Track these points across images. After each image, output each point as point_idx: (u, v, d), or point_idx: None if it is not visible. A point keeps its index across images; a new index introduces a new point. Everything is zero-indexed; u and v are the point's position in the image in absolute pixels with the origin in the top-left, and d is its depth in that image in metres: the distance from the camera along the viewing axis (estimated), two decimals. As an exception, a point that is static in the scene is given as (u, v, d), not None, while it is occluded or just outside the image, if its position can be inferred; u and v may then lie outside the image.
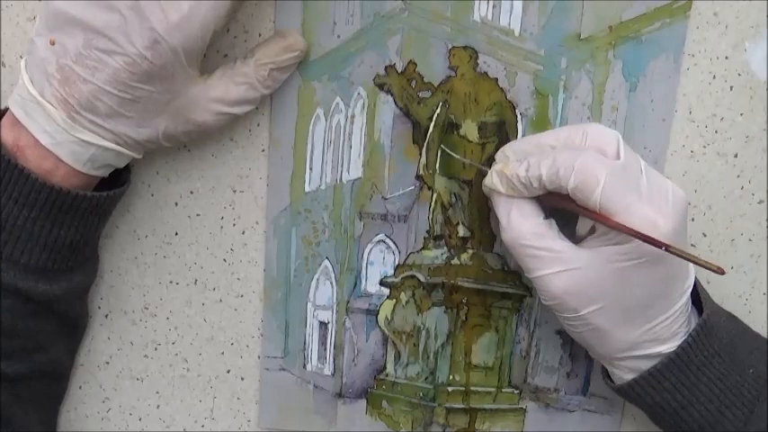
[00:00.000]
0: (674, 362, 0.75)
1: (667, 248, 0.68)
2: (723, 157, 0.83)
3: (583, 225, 0.75)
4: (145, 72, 0.67)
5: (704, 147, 0.82)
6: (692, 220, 0.84)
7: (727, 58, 0.80)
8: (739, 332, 0.79)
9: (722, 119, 0.82)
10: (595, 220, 0.71)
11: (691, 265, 0.75)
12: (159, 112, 0.72)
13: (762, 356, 0.79)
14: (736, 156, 0.83)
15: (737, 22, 0.79)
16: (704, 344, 0.75)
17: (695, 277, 0.77)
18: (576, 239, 0.75)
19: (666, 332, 0.75)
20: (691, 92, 0.81)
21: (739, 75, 0.81)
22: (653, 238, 0.68)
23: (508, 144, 0.78)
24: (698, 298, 0.78)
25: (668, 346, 0.75)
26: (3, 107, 0.73)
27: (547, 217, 0.75)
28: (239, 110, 0.76)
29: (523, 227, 0.74)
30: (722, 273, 0.67)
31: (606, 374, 0.82)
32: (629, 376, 0.77)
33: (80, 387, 0.91)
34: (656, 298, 0.74)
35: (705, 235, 0.85)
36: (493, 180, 0.75)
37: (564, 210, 0.74)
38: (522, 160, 0.73)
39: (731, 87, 0.81)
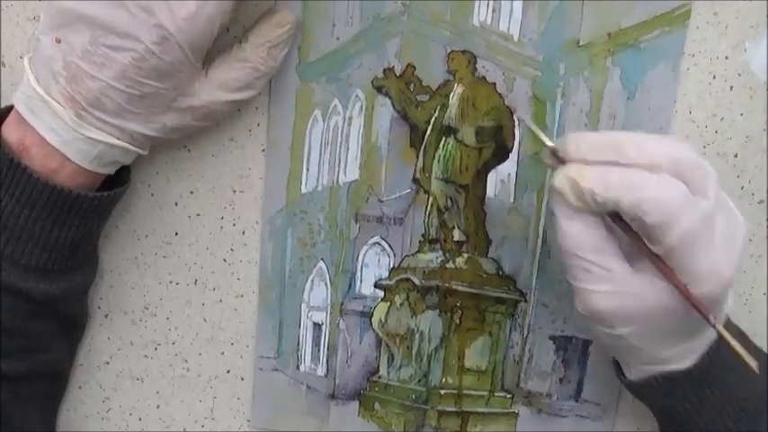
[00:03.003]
0: (690, 373, 0.72)
1: (717, 330, 0.67)
2: (723, 157, 0.82)
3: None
4: (153, 67, 0.67)
5: (704, 147, 0.81)
6: (693, 220, 0.83)
7: (727, 58, 0.79)
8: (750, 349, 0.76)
9: (722, 119, 0.81)
10: (655, 264, 0.67)
11: (729, 291, 0.70)
12: (166, 107, 0.71)
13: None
14: (736, 156, 0.81)
15: (737, 22, 0.78)
16: (720, 359, 0.73)
17: None
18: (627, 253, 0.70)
19: (695, 353, 0.72)
20: (691, 92, 0.80)
21: (739, 75, 0.79)
22: (705, 315, 0.66)
23: (585, 135, 0.68)
24: None
25: (689, 362, 0.73)
26: (3, 106, 0.73)
27: (609, 230, 0.69)
28: (243, 95, 0.75)
29: (585, 239, 0.68)
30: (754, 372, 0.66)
31: (618, 369, 0.79)
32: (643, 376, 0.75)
33: (80, 387, 0.90)
34: (695, 328, 0.71)
35: (705, 235, 0.84)
36: (562, 186, 0.67)
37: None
38: (600, 172, 0.66)
39: (731, 87, 0.80)
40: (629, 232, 0.67)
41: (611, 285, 0.68)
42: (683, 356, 0.72)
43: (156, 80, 0.68)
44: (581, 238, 0.68)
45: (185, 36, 0.66)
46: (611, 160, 0.66)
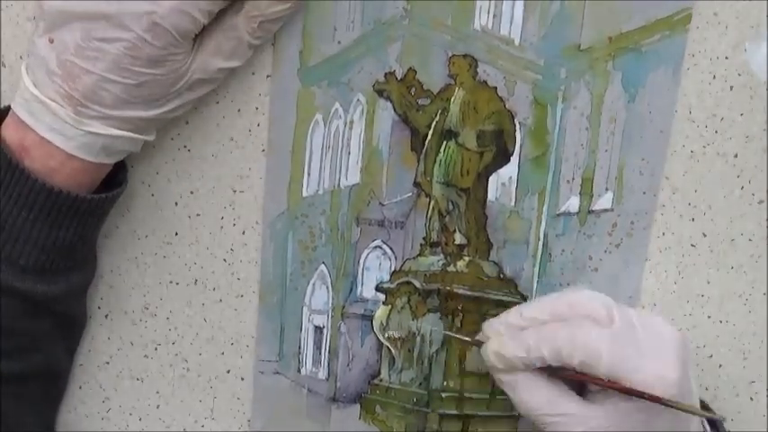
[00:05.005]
0: None
1: (665, 403, 0.69)
2: (723, 157, 0.82)
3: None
4: (147, 55, 0.67)
5: (704, 147, 0.81)
6: (692, 220, 0.83)
7: (727, 58, 0.79)
8: None
9: (722, 119, 0.81)
10: (605, 387, 0.71)
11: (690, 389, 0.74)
12: (166, 93, 0.71)
13: None
14: (736, 156, 0.82)
15: (737, 22, 0.78)
16: None
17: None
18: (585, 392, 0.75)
19: None
20: (691, 92, 0.80)
21: (739, 75, 0.79)
22: (654, 396, 0.69)
23: (497, 320, 0.76)
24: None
25: None
26: (2, 106, 0.73)
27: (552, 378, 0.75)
28: (233, 63, 0.74)
29: (533, 400, 0.74)
30: (722, 419, 0.74)
31: None
32: None
33: (80, 387, 0.90)
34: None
35: (705, 235, 0.84)
36: (491, 360, 0.74)
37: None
38: (517, 338, 0.73)
39: (731, 87, 0.80)
40: (571, 375, 0.73)
41: (581, 425, 0.73)
42: None
43: (152, 67, 0.68)
44: (530, 400, 0.74)
45: (175, 20, 0.67)
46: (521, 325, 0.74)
